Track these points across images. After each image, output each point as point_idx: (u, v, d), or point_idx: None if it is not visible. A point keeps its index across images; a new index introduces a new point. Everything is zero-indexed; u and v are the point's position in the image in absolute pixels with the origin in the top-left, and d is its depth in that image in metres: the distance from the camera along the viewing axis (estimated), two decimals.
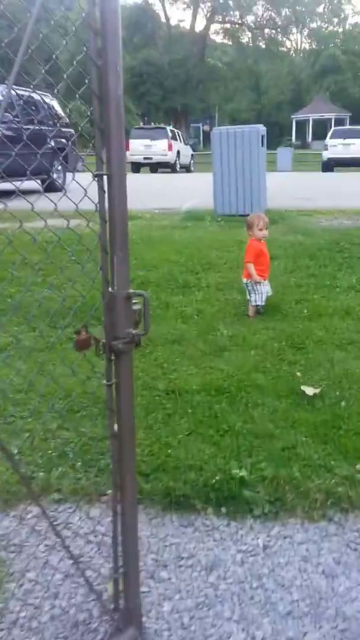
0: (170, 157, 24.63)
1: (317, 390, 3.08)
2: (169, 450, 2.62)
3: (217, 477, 2.41)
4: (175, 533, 2.21)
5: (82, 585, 1.93)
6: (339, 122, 43.07)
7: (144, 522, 2.26)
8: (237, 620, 1.82)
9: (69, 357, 3.31)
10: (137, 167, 24.55)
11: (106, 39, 1.44)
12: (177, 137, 26.63)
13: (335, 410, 2.92)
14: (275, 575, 2.00)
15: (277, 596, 1.91)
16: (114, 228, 1.57)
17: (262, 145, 8.62)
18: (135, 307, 1.64)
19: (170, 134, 25.12)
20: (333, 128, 27.80)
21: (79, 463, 2.55)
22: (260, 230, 4.50)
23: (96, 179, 1.56)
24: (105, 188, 1.56)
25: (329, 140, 24.01)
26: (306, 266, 5.65)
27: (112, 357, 1.62)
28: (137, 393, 3.11)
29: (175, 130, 27.72)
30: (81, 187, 1.62)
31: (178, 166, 25.59)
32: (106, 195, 1.56)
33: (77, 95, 1.58)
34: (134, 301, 1.64)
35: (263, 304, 4.44)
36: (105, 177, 1.55)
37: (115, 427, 1.65)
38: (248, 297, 4.47)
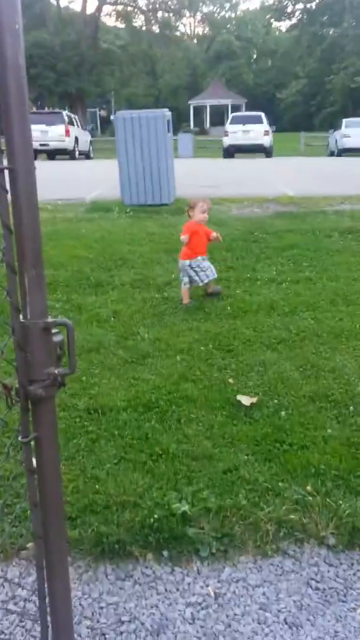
0: (68, 143, 23.68)
1: (254, 399, 2.85)
2: (97, 485, 2.27)
3: (155, 515, 2.09)
4: (111, 590, 1.88)
5: None
6: (236, 108, 43.69)
7: (74, 578, 1.91)
8: None
9: None
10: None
11: None
12: (74, 122, 25.65)
13: (275, 422, 2.69)
14: (233, 631, 1.73)
15: None
16: (23, 238, 1.20)
17: (168, 131, 8.30)
18: (55, 339, 1.28)
19: (66, 119, 24.12)
20: (232, 114, 28.00)
21: None
22: (203, 212, 4.43)
23: None
24: (8, 186, 1.19)
25: (228, 127, 24.08)
26: (223, 258, 5.44)
27: (29, 406, 1.25)
28: None
29: (72, 115, 26.68)
30: None
31: (77, 153, 24.70)
32: (9, 195, 1.19)
33: None
34: (54, 331, 1.27)
35: (210, 278, 4.44)
36: (6, 172, 1.18)
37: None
38: (185, 281, 4.39)
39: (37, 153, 23.55)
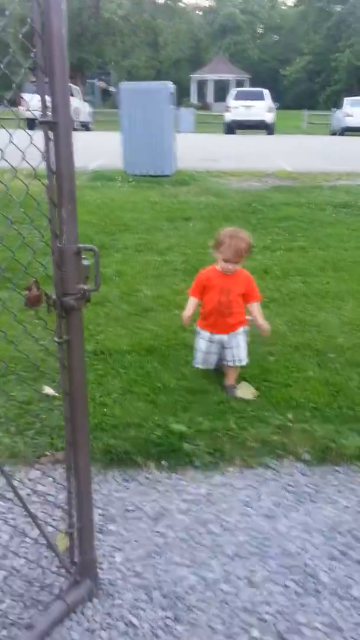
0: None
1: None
2: (105, 409, 2.61)
3: (156, 433, 2.44)
4: (119, 488, 2.23)
5: (32, 545, 1.91)
6: (239, 83, 43.37)
7: None
8: (188, 565, 1.88)
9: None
10: (32, 124, 23.31)
11: None
12: (75, 93, 25.57)
13: (263, 365, 3.03)
14: (220, 520, 2.08)
15: (224, 539, 1.99)
16: (61, 179, 1.51)
17: (171, 103, 8.51)
18: (84, 263, 1.60)
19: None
20: (234, 89, 27.86)
21: (13, 428, 2.48)
22: (225, 260, 2.71)
23: (41, 126, 1.48)
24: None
25: (231, 102, 24.03)
26: (221, 227, 5.72)
27: (63, 314, 1.57)
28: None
29: (72, 86, 26.54)
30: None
31: (76, 124, 24.66)
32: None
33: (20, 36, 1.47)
34: (83, 256, 1.59)
35: (201, 366, 2.91)
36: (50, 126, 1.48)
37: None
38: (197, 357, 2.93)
39: (35, 124, 23.49)
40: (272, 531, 2.03)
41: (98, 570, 1.81)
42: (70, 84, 22.80)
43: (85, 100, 28.81)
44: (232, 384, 2.84)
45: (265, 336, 2.89)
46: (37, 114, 1.45)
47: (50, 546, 1.68)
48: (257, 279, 4.37)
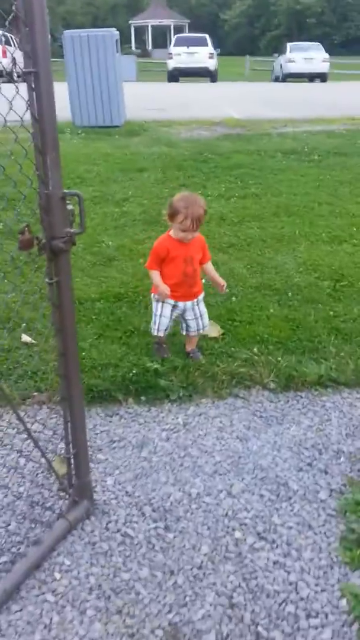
0: (6, 64, 22.61)
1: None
2: (83, 353, 2.74)
3: (133, 371, 2.60)
4: (103, 422, 2.40)
5: (28, 474, 2.07)
6: (178, 29, 42.14)
7: None
8: (173, 483, 2.08)
9: None
10: None
11: None
12: (11, 42, 24.37)
13: (227, 305, 3.22)
14: (198, 444, 2.28)
15: (203, 460, 2.20)
16: (44, 128, 1.60)
17: (117, 51, 8.33)
18: (69, 207, 1.70)
19: (3, 39, 22.90)
20: (176, 35, 27.10)
21: None
22: (184, 230, 2.52)
23: (24, 76, 1.55)
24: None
25: (172, 48, 23.42)
26: (175, 177, 5.80)
27: (52, 257, 1.68)
28: (38, 305, 3.15)
29: (8, 35, 25.26)
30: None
31: (15, 75, 23.63)
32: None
33: None
34: (67, 201, 1.69)
35: (157, 333, 2.74)
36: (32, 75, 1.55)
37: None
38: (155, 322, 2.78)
39: None
40: (246, 450, 2.25)
41: (93, 492, 1.99)
42: (6, 33, 21.50)
43: (22, 50, 27.48)
44: (195, 349, 2.83)
45: (222, 292, 2.83)
46: None
47: (52, 470, 1.84)
48: (214, 226, 4.54)
